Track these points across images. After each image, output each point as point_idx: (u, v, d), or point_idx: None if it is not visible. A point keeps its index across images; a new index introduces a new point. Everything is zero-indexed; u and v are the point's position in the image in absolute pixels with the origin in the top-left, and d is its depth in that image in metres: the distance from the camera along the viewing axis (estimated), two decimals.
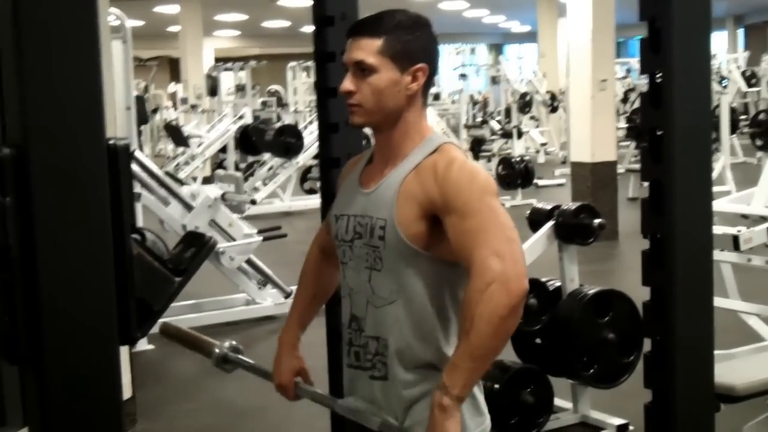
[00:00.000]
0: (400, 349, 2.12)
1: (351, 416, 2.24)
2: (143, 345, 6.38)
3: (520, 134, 15.27)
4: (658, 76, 2.26)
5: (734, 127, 13.29)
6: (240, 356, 2.52)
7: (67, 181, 1.45)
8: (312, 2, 2.98)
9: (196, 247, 1.80)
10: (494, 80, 20.95)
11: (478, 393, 2.17)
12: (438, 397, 1.97)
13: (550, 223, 4.58)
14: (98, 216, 1.47)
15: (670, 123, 2.24)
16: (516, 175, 12.64)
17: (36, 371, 1.48)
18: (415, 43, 2.11)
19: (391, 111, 2.12)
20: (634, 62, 21.39)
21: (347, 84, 2.12)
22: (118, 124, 6.24)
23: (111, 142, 1.50)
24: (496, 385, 4.17)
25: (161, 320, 2.58)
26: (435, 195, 2.05)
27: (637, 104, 16.66)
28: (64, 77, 1.43)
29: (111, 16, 6.08)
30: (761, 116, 12.92)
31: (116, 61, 6.24)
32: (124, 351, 4.81)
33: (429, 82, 2.16)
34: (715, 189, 10.10)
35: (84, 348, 1.48)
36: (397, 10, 2.15)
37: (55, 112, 1.43)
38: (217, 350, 2.52)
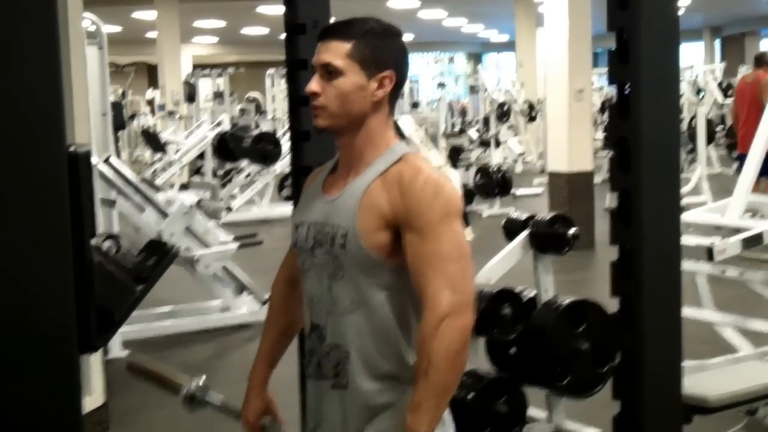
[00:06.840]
0: (361, 359, 2.10)
1: None
2: (118, 351, 6.33)
3: (498, 143, 15.28)
4: (626, 87, 2.26)
5: (711, 138, 13.37)
6: (208, 397, 2.47)
7: (26, 188, 1.43)
8: (284, 10, 2.97)
9: (159, 256, 1.78)
10: (473, 89, 20.95)
11: None
12: None
13: (525, 233, 4.58)
14: (58, 224, 1.46)
15: (638, 133, 2.25)
16: (494, 184, 12.62)
17: None
18: (384, 51, 2.11)
19: (355, 116, 2.11)
20: None
21: (313, 85, 2.11)
22: (93, 129, 6.21)
23: (71, 149, 1.49)
24: (469, 396, 4.16)
25: (127, 358, 2.53)
26: (399, 209, 2.04)
27: None
28: (23, 84, 1.42)
29: (86, 21, 6.05)
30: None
31: (92, 66, 6.20)
32: (97, 358, 4.77)
33: (396, 91, 2.15)
34: (692, 199, 10.06)
35: (43, 357, 1.46)
36: (369, 17, 2.15)
37: (13, 119, 1.41)
38: (184, 390, 2.46)
